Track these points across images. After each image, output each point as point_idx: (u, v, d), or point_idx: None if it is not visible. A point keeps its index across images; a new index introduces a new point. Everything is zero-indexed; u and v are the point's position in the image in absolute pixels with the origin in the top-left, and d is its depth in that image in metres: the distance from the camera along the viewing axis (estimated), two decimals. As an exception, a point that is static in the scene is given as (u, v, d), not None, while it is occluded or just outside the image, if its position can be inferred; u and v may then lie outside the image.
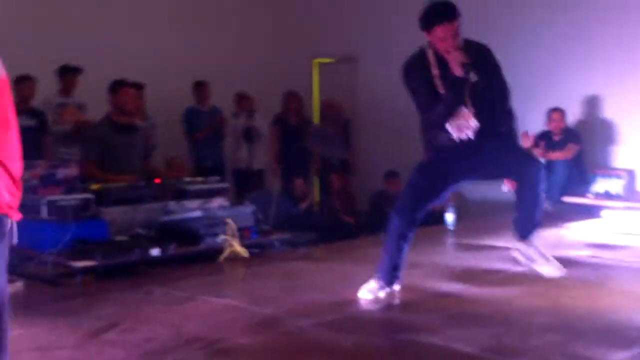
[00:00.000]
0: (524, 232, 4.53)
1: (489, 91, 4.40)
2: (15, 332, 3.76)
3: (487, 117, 4.40)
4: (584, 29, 8.93)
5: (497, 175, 4.66)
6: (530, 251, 4.53)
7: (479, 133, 4.37)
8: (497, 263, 5.67)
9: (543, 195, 4.46)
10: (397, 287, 4.70)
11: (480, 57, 4.39)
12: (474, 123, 4.35)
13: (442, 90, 4.35)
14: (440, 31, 4.26)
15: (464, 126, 4.36)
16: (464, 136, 4.38)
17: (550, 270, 4.52)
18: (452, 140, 4.41)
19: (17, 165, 2.50)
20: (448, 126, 4.37)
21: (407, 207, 4.56)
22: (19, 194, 2.52)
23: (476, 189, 9.17)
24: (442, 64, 4.34)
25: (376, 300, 4.59)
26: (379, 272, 4.67)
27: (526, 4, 9.35)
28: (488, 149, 4.42)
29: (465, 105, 4.34)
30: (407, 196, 4.60)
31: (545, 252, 4.58)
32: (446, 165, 4.53)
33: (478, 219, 8.03)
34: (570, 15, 8.95)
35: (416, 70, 4.45)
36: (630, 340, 3.74)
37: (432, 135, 4.54)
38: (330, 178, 9.58)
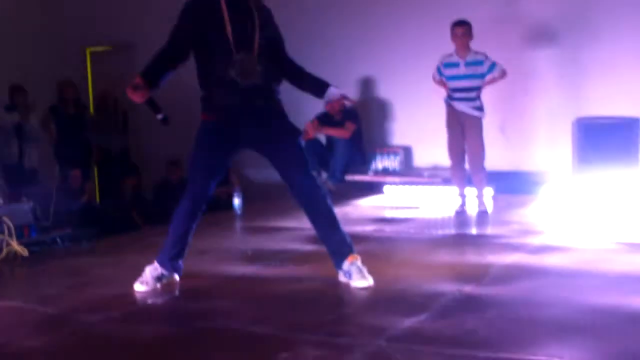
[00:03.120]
0: (340, 257, 4.42)
1: (278, 52, 4.43)
2: None
3: (273, 81, 4.38)
4: (360, 14, 9.22)
5: (273, 164, 4.50)
6: (352, 268, 4.38)
7: (261, 95, 4.33)
8: (286, 243, 5.74)
9: (332, 208, 4.43)
10: (177, 275, 4.60)
11: (269, 17, 4.41)
12: (259, 68, 4.27)
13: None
14: None
15: (249, 71, 4.26)
16: (249, 82, 4.27)
17: (363, 283, 4.36)
18: (231, 97, 4.32)
19: None
20: (232, 71, 4.25)
21: (195, 185, 4.44)
22: None
23: (260, 171, 9.26)
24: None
25: (154, 290, 4.46)
26: (161, 259, 4.53)
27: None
28: (273, 127, 4.40)
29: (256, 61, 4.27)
30: (192, 173, 4.47)
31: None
32: (223, 133, 4.39)
33: (264, 201, 8.09)
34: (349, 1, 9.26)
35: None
36: (417, 307, 3.88)
37: (212, 91, 4.39)
38: (123, 181, 9.33)
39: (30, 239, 5.78)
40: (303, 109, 8.85)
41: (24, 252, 5.60)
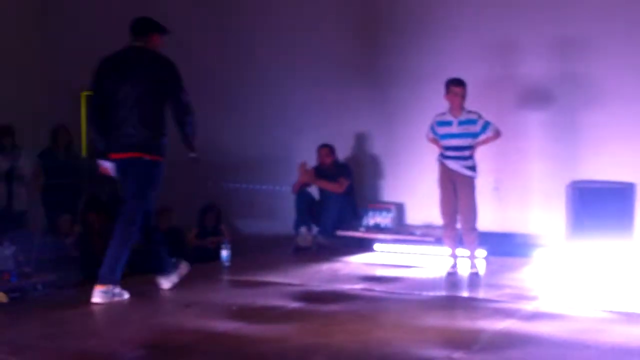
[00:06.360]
0: (106, 272, 5.28)
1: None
2: None
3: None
4: (356, 69, 9.20)
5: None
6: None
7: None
8: (273, 300, 5.59)
9: (133, 235, 5.37)
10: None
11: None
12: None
13: None
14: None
15: None
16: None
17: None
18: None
19: None
20: None
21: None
22: None
23: (251, 224, 9.14)
24: None
25: (134, 344, 4.30)
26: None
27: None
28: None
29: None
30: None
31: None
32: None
33: (254, 254, 7.95)
34: (344, 56, 9.25)
35: None
36: (405, 374, 3.76)
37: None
38: (88, 217, 8.91)
39: (10, 284, 5.63)
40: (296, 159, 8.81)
41: (4, 298, 5.45)
